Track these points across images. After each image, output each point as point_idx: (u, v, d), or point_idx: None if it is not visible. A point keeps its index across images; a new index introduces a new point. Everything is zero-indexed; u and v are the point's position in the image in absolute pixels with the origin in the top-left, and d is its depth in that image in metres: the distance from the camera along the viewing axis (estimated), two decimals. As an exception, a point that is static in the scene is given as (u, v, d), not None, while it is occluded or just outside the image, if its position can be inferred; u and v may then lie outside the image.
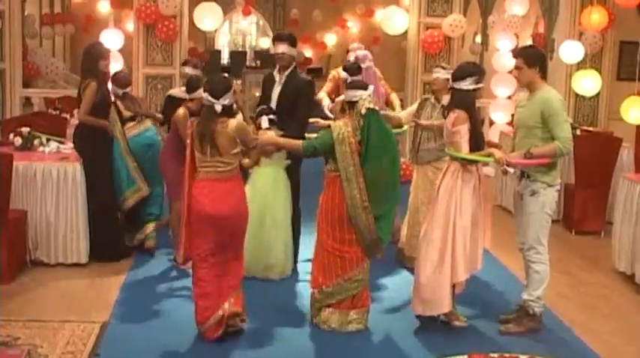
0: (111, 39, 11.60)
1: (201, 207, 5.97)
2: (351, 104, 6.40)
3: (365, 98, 6.36)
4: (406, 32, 13.02)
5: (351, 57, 9.02)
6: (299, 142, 6.51)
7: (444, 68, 7.88)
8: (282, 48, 7.71)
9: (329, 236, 6.39)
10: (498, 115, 12.91)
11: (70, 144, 8.43)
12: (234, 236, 6.11)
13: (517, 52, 6.59)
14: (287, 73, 7.76)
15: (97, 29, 13.86)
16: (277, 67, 7.85)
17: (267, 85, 7.91)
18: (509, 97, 13.01)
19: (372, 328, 6.50)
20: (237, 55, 22.89)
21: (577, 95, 12.12)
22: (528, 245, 6.43)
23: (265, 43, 24.85)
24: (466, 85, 6.29)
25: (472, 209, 6.26)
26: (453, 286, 6.35)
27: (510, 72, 13.01)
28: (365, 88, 6.46)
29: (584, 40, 12.30)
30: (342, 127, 6.30)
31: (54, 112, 11.38)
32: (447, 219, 6.24)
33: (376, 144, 6.28)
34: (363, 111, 6.29)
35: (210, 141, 5.95)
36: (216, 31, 22.15)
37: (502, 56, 13.06)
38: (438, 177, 7.20)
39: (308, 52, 23.71)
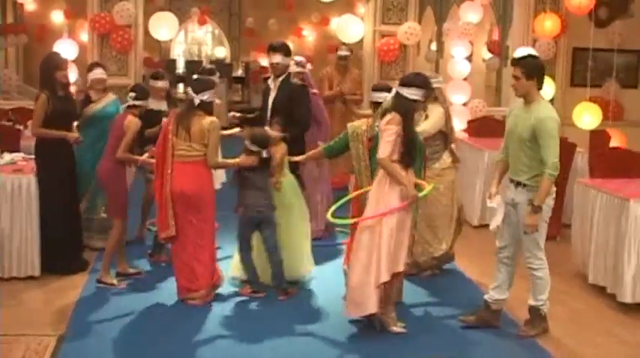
0: (65, 49, 11.50)
1: (170, 185, 7.00)
2: (376, 104, 7.01)
3: (389, 100, 6.82)
4: (362, 40, 13.06)
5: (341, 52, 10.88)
6: (320, 149, 7.55)
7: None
8: (277, 58, 8.17)
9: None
10: (454, 122, 12.95)
11: (22, 155, 8.40)
12: (199, 211, 7.04)
13: (515, 61, 6.48)
14: (280, 80, 8.16)
15: (51, 39, 13.72)
16: (272, 75, 8.32)
17: (265, 93, 8.35)
18: (465, 104, 13.08)
19: (306, 334, 6.56)
20: (193, 65, 22.77)
21: (531, 101, 12.24)
22: (529, 253, 6.50)
23: (221, 52, 24.76)
24: (409, 93, 6.33)
25: (399, 213, 6.29)
26: (385, 289, 6.41)
27: (466, 79, 13.12)
28: (389, 90, 6.98)
29: (538, 47, 12.44)
30: (358, 126, 6.98)
31: (7, 124, 11.22)
32: (374, 223, 6.31)
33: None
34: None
35: (186, 128, 6.96)
36: (171, 40, 22.04)
37: (457, 63, 13.14)
38: None
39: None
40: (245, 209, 7.35)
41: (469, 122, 12.20)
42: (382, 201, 6.32)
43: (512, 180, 6.52)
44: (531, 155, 6.32)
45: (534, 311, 6.66)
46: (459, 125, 12.82)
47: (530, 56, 6.72)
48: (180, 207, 7.01)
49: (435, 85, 7.61)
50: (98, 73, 8.62)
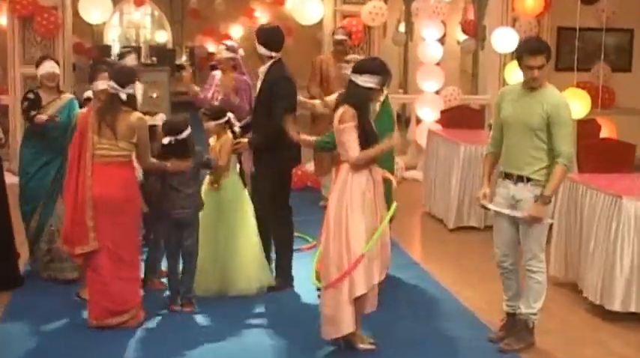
0: (-19, 35, 11.39)
1: (90, 189, 6.74)
2: None
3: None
4: (321, 22, 13.07)
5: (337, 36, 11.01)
6: (311, 139, 7.44)
7: (348, 62, 8.01)
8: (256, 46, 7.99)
9: None
10: (426, 112, 13.05)
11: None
12: (124, 219, 6.84)
13: (537, 49, 6.40)
14: (264, 68, 7.90)
15: (-36, 24, 13.61)
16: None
17: None
18: (438, 92, 13.16)
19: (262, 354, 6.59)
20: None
21: (512, 88, 12.34)
22: (531, 254, 6.54)
23: (162, 36, 24.70)
24: (362, 80, 6.32)
25: (365, 213, 6.27)
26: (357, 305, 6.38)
27: (437, 64, 13.20)
28: None
29: (519, 27, 12.53)
30: None
31: None
32: (340, 229, 6.26)
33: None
34: (382, 97, 7.36)
35: (111, 125, 6.76)
36: (104, 24, 21.95)
37: (428, 46, 13.22)
38: None
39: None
40: (166, 211, 7.35)
41: (442, 112, 12.27)
42: (345, 199, 6.24)
43: (509, 175, 6.53)
44: (540, 145, 6.39)
45: (522, 321, 6.69)
46: (431, 115, 12.92)
47: (537, 39, 6.94)
48: (102, 216, 6.77)
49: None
50: (48, 66, 8.12)
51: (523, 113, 6.44)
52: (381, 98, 7.39)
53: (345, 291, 6.24)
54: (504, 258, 6.71)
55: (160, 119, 7.83)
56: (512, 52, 12.18)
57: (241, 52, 9.27)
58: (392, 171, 6.64)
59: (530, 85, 6.45)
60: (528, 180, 6.44)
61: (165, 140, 7.26)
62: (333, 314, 6.29)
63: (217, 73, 9.30)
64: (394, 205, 6.44)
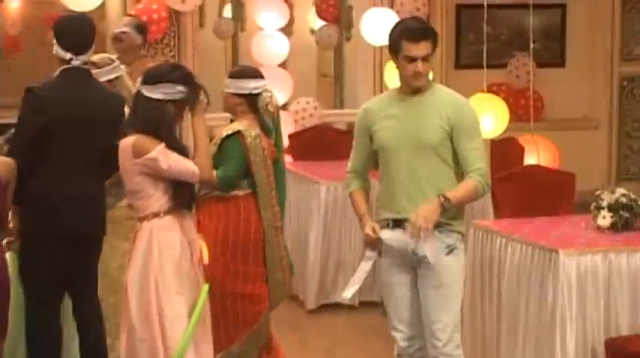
0: None
1: None
2: (250, 97, 7.61)
3: (267, 88, 7.84)
4: (104, 6, 13.03)
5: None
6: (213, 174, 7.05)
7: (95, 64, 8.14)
8: None
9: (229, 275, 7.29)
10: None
11: None
12: None
13: (421, 32, 6.57)
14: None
15: None
16: None
17: None
18: (284, 107, 13.23)
19: None
20: None
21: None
22: (445, 335, 6.55)
23: None
24: (156, 93, 6.35)
25: (184, 290, 6.33)
26: None
27: (282, 64, 13.29)
28: (262, 76, 7.87)
29: (400, 6, 12.69)
30: (250, 131, 7.44)
31: None
32: (148, 321, 6.27)
33: (280, 146, 7.99)
34: (273, 105, 7.93)
35: None
36: None
37: (268, 39, 13.27)
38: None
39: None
40: None
41: (292, 136, 12.29)
42: (152, 275, 6.23)
43: (400, 223, 6.56)
44: (444, 171, 6.54)
45: None
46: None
47: (418, 19, 7.21)
48: None
49: (108, 76, 8.00)
50: None
51: (414, 128, 6.54)
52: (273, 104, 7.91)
53: None
54: (409, 343, 6.74)
55: None
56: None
57: None
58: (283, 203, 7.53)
59: (413, 86, 6.58)
60: (436, 225, 6.47)
61: None
62: None
63: None
64: (205, 288, 6.44)
